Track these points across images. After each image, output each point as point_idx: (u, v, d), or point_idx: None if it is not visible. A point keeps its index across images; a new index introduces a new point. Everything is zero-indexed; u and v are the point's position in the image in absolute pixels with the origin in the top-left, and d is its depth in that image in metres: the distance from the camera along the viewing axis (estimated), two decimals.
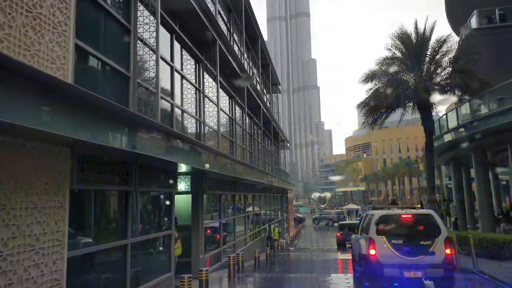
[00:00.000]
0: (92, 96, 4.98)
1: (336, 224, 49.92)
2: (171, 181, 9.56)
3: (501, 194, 33.05)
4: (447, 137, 22.25)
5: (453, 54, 21.61)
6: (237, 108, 16.88)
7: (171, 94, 9.66)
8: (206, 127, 12.58)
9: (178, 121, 10.55)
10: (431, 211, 9.70)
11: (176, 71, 9.92)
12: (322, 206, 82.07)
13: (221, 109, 14.28)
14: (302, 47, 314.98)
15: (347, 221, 34.91)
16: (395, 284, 8.46)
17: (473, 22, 23.65)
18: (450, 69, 21.16)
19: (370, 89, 22.39)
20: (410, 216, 9.04)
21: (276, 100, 31.93)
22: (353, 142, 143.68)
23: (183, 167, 10.55)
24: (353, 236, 12.16)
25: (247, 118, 19.55)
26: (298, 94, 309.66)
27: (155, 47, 7.85)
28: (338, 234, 26.39)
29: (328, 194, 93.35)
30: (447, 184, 65.66)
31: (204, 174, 11.56)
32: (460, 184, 29.29)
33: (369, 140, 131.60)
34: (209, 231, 14.05)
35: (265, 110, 21.97)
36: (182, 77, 10.78)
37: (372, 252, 8.51)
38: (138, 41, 7.70)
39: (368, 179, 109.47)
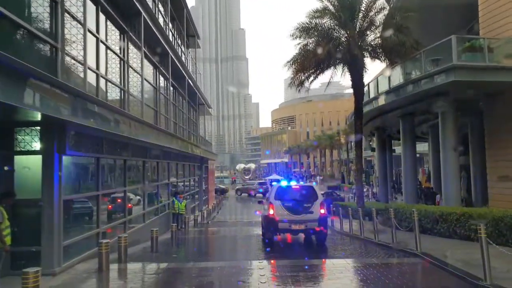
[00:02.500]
0: None
1: (258, 195, 48.38)
2: None
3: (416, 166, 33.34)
4: (377, 103, 20.59)
5: (387, 12, 19.78)
6: (132, 48, 13.03)
7: None
8: (75, 63, 8.77)
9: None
10: (312, 184, 13.38)
11: None
12: (247, 177, 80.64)
13: (101, 41, 10.44)
14: (231, 16, 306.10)
15: None
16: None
17: None
18: (383, 27, 19.31)
19: (299, 43, 19.86)
20: (298, 186, 12.47)
21: (195, 56, 28.11)
22: (279, 114, 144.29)
23: (35, 115, 6.89)
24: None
25: (150, 66, 15.78)
26: (227, 65, 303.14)
27: None
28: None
29: (252, 166, 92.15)
30: (365, 157, 67.65)
31: (61, 126, 7.89)
32: (384, 155, 28.58)
33: (294, 113, 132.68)
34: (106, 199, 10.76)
35: (177, 62, 18.26)
36: None
37: (271, 212, 11.59)
38: None
39: (291, 151, 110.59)
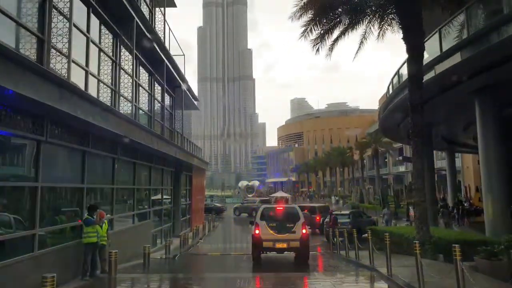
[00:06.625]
0: None
1: None
2: None
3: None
4: (442, 66, 12.98)
5: None
6: None
7: None
8: None
9: None
10: (295, 206, 14.78)
11: None
12: (250, 195, 72.50)
13: None
14: (238, 36, 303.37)
15: None
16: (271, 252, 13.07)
17: None
18: None
19: None
20: (282, 208, 13.51)
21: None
22: (286, 131, 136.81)
23: None
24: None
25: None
26: (233, 85, 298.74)
27: None
28: None
29: (256, 183, 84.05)
30: (381, 175, 59.29)
31: None
32: (430, 166, 20.79)
33: (301, 130, 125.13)
34: None
35: None
36: None
37: (257, 232, 12.62)
38: None
39: (299, 169, 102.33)
